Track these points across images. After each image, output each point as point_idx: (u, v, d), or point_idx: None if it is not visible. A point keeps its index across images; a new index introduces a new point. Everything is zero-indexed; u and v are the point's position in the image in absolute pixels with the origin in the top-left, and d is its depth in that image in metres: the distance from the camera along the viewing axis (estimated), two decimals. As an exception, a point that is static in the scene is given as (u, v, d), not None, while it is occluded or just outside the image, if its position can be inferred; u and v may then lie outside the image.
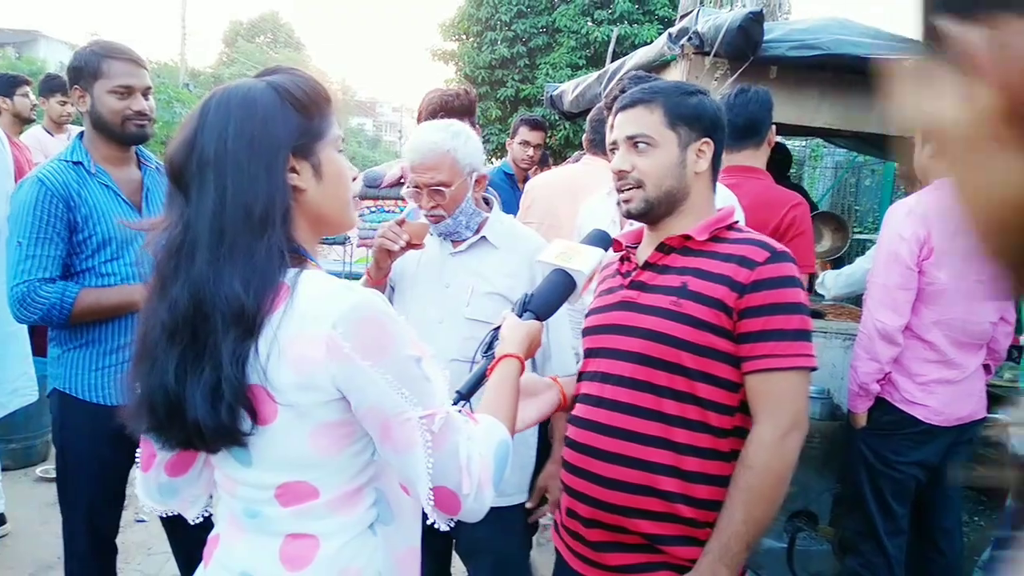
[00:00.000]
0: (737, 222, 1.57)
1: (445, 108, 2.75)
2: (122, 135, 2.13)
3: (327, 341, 0.99)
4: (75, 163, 2.10)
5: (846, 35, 3.08)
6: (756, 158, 2.58)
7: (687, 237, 1.51)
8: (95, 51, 2.12)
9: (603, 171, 2.96)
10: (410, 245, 1.94)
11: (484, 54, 13.40)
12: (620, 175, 1.54)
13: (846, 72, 3.20)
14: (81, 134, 2.17)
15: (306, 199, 1.10)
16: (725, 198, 2.14)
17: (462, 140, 1.98)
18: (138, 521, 3.36)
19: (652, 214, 1.53)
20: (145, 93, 2.15)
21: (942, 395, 2.41)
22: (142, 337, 1.06)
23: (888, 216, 2.46)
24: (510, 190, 4.04)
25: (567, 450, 1.59)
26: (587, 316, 1.65)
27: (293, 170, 1.08)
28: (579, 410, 1.58)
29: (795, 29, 3.18)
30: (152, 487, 1.23)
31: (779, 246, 1.48)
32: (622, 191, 1.54)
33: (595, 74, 4.36)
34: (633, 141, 1.52)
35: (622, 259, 1.65)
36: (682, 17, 4.05)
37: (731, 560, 1.40)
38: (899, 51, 3.02)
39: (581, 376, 1.62)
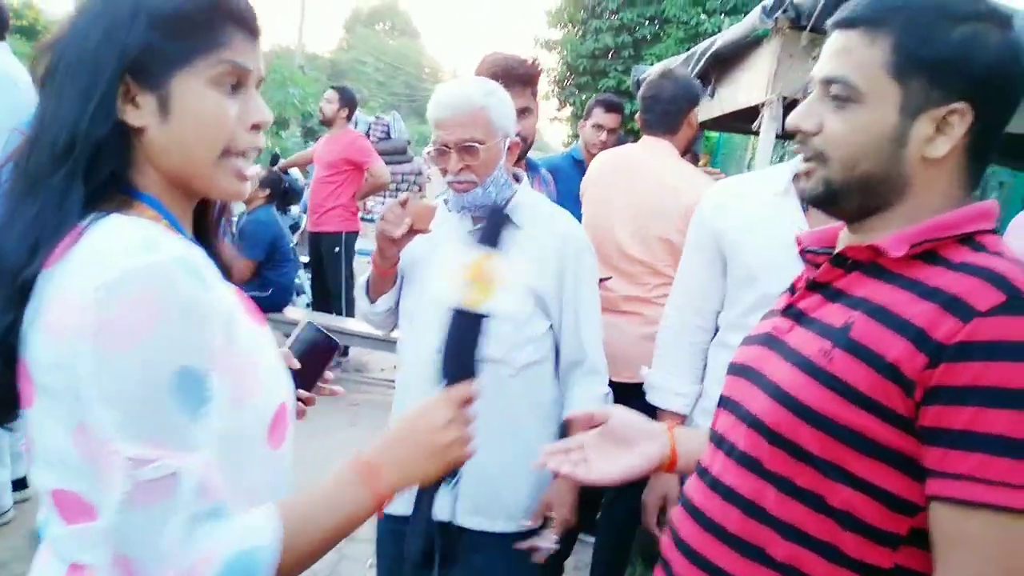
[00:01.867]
0: (991, 232, 0.96)
1: (507, 74, 2.43)
2: None
3: (83, 306, 0.75)
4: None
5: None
6: None
7: (876, 250, 0.96)
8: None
9: (662, 152, 2.61)
10: (414, 230, 1.68)
11: (588, 43, 13.08)
12: (800, 136, 1.01)
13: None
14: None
15: (147, 141, 0.86)
16: None
17: (497, 98, 1.74)
18: None
19: (836, 206, 1.02)
20: None
21: None
22: None
23: (1013, 227, 1.96)
24: (578, 178, 3.70)
25: (666, 530, 1.15)
26: (740, 345, 1.18)
27: (133, 101, 0.85)
28: (689, 481, 1.15)
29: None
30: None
31: None
32: (803, 160, 1.03)
33: (683, 55, 3.96)
34: (828, 86, 0.97)
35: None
36: None
37: None
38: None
39: (711, 431, 1.16)
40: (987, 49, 0.91)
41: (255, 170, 0.93)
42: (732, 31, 3.28)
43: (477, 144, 1.69)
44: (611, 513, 2.92)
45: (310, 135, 14.03)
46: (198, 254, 0.86)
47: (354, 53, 42.82)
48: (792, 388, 0.95)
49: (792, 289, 1.11)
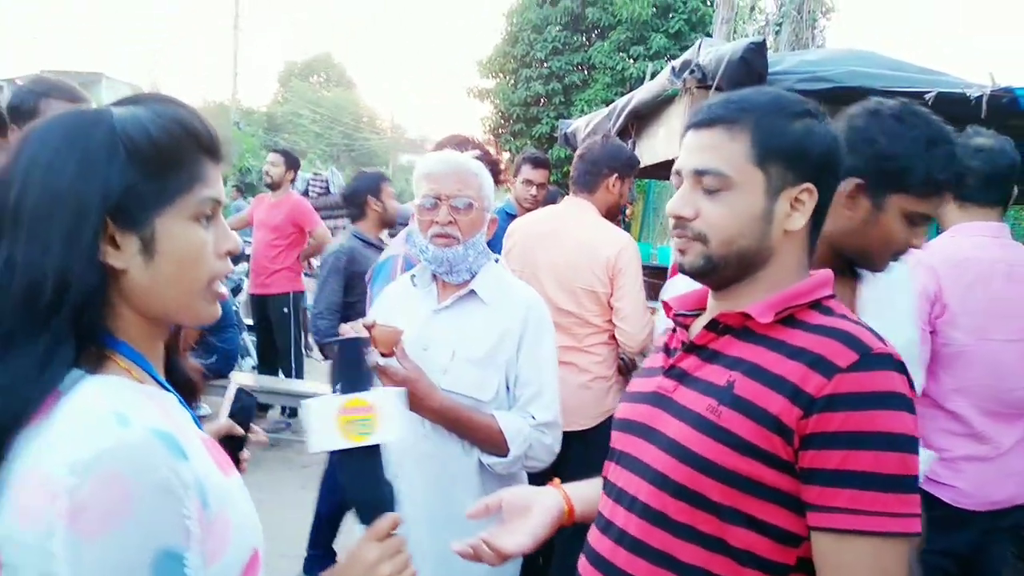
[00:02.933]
0: (832, 296, 1.13)
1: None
2: None
3: (55, 489, 0.71)
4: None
5: (862, 67, 2.83)
6: None
7: (746, 316, 1.09)
8: (33, 90, 2.03)
9: (582, 211, 2.80)
10: (379, 353, 1.70)
11: (519, 91, 13.43)
12: (678, 221, 1.13)
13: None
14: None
15: (128, 283, 0.82)
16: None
17: (487, 175, 1.86)
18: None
19: (714, 277, 1.14)
20: None
21: (972, 474, 2.06)
22: None
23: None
24: (512, 232, 3.86)
25: (582, 558, 1.22)
26: (621, 401, 1.29)
27: (113, 241, 0.80)
28: (590, 532, 1.22)
29: (804, 60, 2.95)
30: None
31: (879, 344, 1.02)
32: (678, 239, 1.14)
33: (606, 110, 4.18)
34: (700, 177, 1.10)
35: (674, 329, 1.24)
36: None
37: None
38: (922, 84, 2.76)
39: (604, 483, 1.24)
40: (818, 138, 1.10)
41: (226, 290, 0.93)
42: (646, 90, 3.50)
43: (472, 201, 1.79)
44: (564, 559, 2.99)
45: (249, 191, 13.94)
46: (169, 409, 0.84)
47: (290, 106, 42.69)
48: (688, 443, 1.06)
49: (667, 350, 1.22)
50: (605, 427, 2.91)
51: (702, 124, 1.12)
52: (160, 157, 0.81)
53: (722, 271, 1.12)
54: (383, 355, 1.70)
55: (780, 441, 1.00)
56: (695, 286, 1.24)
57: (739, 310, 1.10)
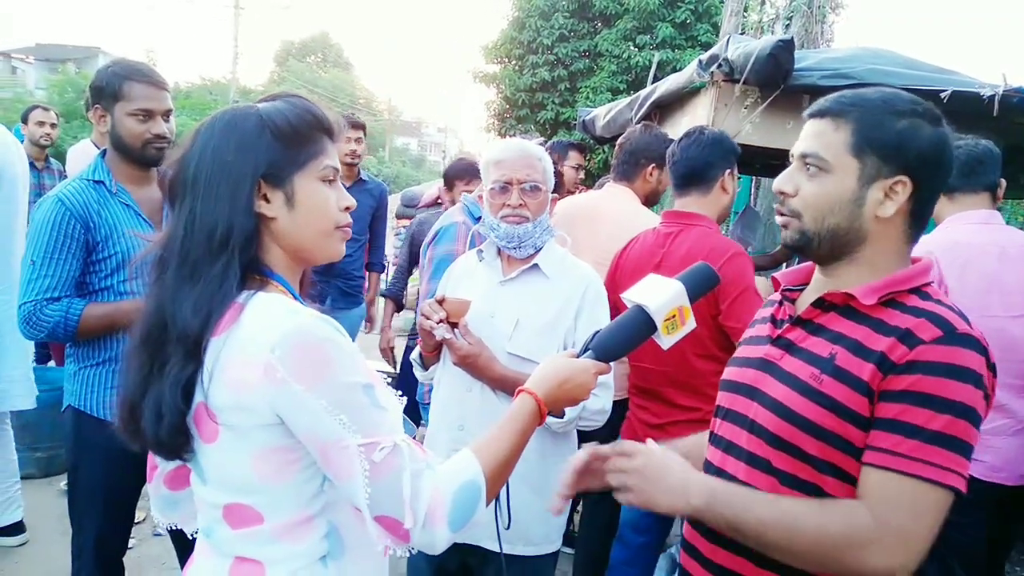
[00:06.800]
0: (929, 283, 1.25)
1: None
2: (142, 157, 2.14)
3: (264, 364, 1.00)
4: (96, 182, 2.12)
5: (880, 64, 3.01)
6: (702, 204, 2.42)
7: (850, 297, 1.23)
8: (116, 72, 2.12)
9: (622, 197, 2.97)
10: (449, 323, 1.90)
11: (525, 77, 13.49)
12: (781, 197, 1.29)
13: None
14: (104, 152, 2.18)
15: (277, 227, 1.12)
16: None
17: (548, 160, 2.04)
18: (155, 535, 3.37)
19: (809, 250, 1.28)
20: (166, 116, 2.15)
21: (1000, 447, 2.18)
22: (128, 345, 1.13)
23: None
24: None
25: (686, 524, 1.40)
26: (728, 365, 1.44)
27: (265, 198, 1.10)
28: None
29: (828, 58, 3.11)
30: (157, 499, 1.31)
31: (965, 326, 1.14)
32: (781, 214, 1.30)
33: (627, 99, 4.33)
34: (804, 159, 1.26)
35: (781, 302, 1.39)
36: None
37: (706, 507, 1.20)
38: (937, 83, 2.94)
39: (711, 436, 1.42)
40: (921, 138, 1.19)
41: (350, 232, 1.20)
42: (671, 81, 3.65)
43: (539, 184, 1.97)
44: (589, 525, 3.18)
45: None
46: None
47: (286, 86, 42.50)
48: (792, 404, 1.22)
49: (774, 320, 1.37)
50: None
51: (815, 114, 1.27)
52: (295, 135, 1.11)
53: (816, 246, 1.26)
54: (452, 325, 1.90)
55: (866, 402, 1.15)
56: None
57: (844, 291, 1.23)
